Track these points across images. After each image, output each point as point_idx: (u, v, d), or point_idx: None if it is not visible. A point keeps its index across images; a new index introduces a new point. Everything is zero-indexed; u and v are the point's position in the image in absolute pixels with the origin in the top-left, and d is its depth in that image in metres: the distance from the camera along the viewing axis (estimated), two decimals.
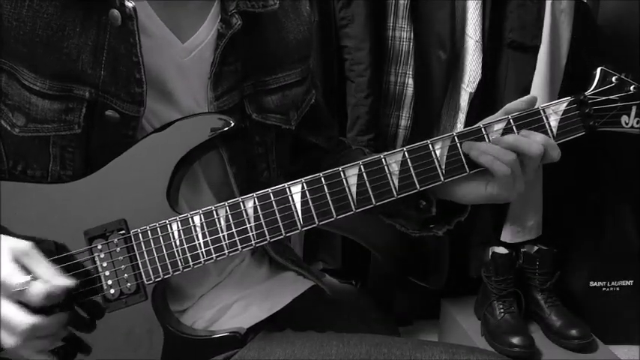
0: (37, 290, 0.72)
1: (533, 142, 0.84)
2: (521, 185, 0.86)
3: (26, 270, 0.73)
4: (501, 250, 1.96)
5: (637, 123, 0.89)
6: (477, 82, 1.81)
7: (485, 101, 1.84)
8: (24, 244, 0.75)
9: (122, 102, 0.83)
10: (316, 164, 1.06)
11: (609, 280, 2.07)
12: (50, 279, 0.74)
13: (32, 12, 0.79)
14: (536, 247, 1.98)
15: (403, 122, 1.83)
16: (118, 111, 0.83)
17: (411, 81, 1.81)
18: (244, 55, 0.91)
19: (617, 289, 2.08)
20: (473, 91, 1.82)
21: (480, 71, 1.80)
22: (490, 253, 1.95)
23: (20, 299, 0.72)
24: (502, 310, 1.91)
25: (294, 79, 0.98)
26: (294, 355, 0.89)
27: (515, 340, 1.82)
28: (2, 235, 0.76)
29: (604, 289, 2.08)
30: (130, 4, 0.81)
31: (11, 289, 0.72)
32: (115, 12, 0.81)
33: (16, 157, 0.84)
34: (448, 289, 2.04)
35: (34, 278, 0.73)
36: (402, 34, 1.79)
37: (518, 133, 0.86)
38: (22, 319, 0.72)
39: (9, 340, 0.72)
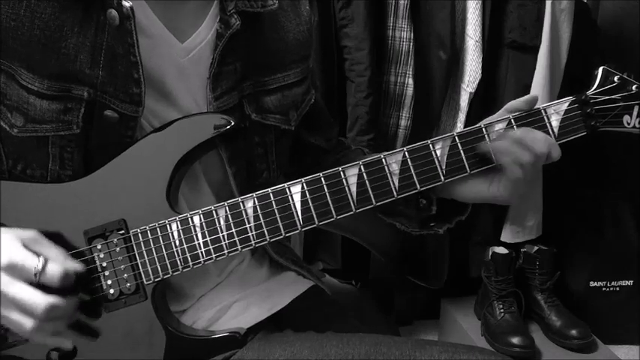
0: (54, 270, 0.74)
1: (537, 139, 0.84)
2: (524, 188, 0.86)
3: (37, 255, 0.75)
4: (501, 250, 1.96)
5: (639, 123, 0.89)
6: (476, 82, 1.81)
7: (485, 101, 1.84)
8: (30, 232, 0.77)
9: (121, 102, 0.83)
10: (315, 165, 1.05)
11: (609, 280, 2.07)
12: (63, 261, 0.76)
13: (30, 12, 0.79)
14: (536, 247, 1.97)
15: (403, 122, 1.83)
16: (117, 111, 0.83)
17: (411, 81, 1.80)
18: (243, 55, 0.91)
19: (617, 289, 2.08)
20: (473, 91, 1.82)
21: (479, 71, 1.80)
22: (490, 253, 1.95)
23: (37, 281, 0.73)
24: (502, 310, 1.91)
25: (294, 79, 0.98)
26: (293, 356, 0.89)
27: (515, 340, 1.82)
28: (4, 228, 0.77)
29: (604, 289, 2.08)
30: (127, 4, 0.80)
31: (28, 272, 0.73)
32: (113, 12, 0.80)
33: (16, 157, 0.84)
34: (448, 289, 2.04)
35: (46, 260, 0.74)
36: (402, 34, 1.79)
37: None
38: (41, 299, 0.73)
39: (28, 323, 0.73)
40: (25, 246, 0.75)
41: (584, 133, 0.88)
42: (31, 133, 0.81)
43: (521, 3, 1.80)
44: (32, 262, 0.73)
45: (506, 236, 1.98)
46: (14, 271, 0.73)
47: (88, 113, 0.82)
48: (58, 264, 0.75)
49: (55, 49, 0.80)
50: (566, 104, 0.88)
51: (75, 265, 0.78)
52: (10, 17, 0.79)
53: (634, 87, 0.88)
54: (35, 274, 0.73)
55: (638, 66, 0.93)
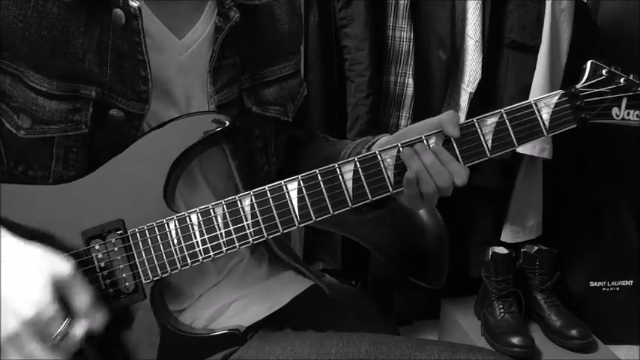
0: (75, 336, 0.73)
1: (442, 174, 0.84)
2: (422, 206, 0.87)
3: (63, 302, 0.73)
4: (501, 250, 1.96)
5: (627, 115, 0.90)
6: (476, 82, 1.81)
7: (485, 101, 1.84)
8: (66, 269, 0.74)
9: (128, 100, 0.83)
10: (294, 158, 1.05)
11: (609, 280, 2.07)
12: (89, 316, 0.74)
13: (37, 13, 0.79)
14: (536, 247, 1.98)
15: (403, 122, 1.83)
16: (123, 109, 0.83)
17: (411, 81, 1.81)
18: (241, 49, 0.91)
19: (617, 289, 2.08)
20: (473, 91, 1.82)
21: (479, 71, 1.80)
22: (490, 253, 1.95)
23: (55, 343, 0.72)
24: (502, 310, 1.91)
25: (290, 71, 0.99)
26: (293, 355, 0.89)
27: (515, 340, 1.82)
28: (41, 254, 0.74)
29: (604, 289, 2.08)
30: (134, 4, 0.81)
31: (49, 334, 0.71)
32: (119, 11, 0.81)
33: (18, 159, 0.84)
34: (448, 289, 2.03)
35: (72, 319, 0.73)
36: (402, 34, 1.79)
37: (510, 127, 0.86)
38: None
39: None
40: (58, 289, 0.72)
41: (575, 126, 0.89)
42: (38, 134, 0.81)
43: (521, 3, 1.80)
44: (57, 325, 0.71)
45: (506, 236, 1.99)
46: (36, 327, 0.71)
47: (95, 113, 0.82)
48: (80, 327, 0.73)
49: (63, 50, 0.80)
50: (557, 97, 0.88)
51: (101, 318, 0.76)
52: (18, 18, 0.78)
53: (622, 80, 0.89)
54: (55, 337, 0.71)
55: (638, 66, 0.94)
